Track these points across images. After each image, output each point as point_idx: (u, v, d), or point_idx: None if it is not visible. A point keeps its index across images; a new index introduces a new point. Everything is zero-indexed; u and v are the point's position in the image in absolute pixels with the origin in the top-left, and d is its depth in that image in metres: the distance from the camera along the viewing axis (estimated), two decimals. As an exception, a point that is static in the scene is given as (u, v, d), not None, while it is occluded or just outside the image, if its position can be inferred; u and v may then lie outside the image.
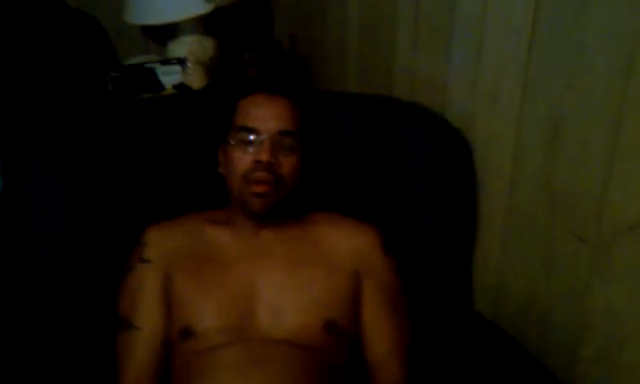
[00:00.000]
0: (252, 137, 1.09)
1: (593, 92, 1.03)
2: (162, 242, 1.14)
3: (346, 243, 1.15)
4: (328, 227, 1.17)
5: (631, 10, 0.94)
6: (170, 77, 1.75)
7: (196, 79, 1.75)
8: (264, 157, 1.06)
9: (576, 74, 1.06)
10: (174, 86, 1.72)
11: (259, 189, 1.07)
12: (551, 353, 1.19)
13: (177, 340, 1.08)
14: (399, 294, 1.17)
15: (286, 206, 1.13)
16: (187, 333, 1.07)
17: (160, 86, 1.75)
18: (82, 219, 1.19)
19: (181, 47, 1.81)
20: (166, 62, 1.79)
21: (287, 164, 1.09)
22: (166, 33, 1.86)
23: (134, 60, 1.84)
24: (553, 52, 1.10)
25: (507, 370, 1.16)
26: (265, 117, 1.09)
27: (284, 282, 1.10)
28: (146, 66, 1.77)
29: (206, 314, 1.07)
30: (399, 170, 1.29)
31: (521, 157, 1.20)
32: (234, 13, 1.82)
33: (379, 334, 1.13)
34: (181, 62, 1.77)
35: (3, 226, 1.38)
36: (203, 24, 1.81)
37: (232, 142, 1.11)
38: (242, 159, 1.09)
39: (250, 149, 1.09)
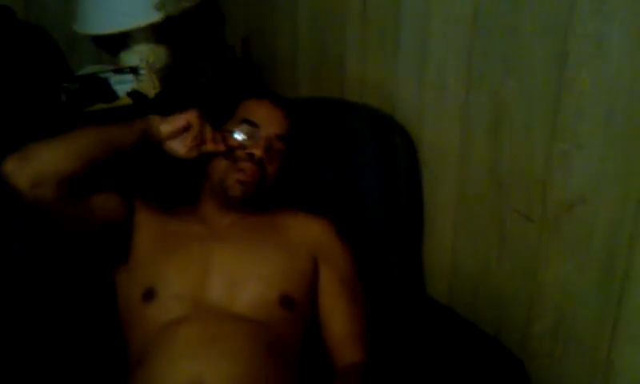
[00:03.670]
0: (252, 130, 1.18)
1: (531, 76, 1.09)
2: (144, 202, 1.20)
3: (303, 231, 1.21)
4: (286, 217, 1.24)
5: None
6: (123, 85, 1.74)
7: (150, 87, 1.75)
8: (258, 152, 1.16)
9: (514, 60, 1.11)
10: (128, 94, 1.72)
11: (245, 177, 1.15)
12: (506, 330, 1.24)
13: (139, 303, 1.11)
14: (355, 279, 1.22)
15: (256, 200, 1.20)
16: (150, 294, 1.10)
17: (114, 95, 1.74)
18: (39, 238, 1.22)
19: (134, 56, 1.81)
20: (119, 71, 1.78)
21: (273, 165, 1.19)
22: (118, 42, 1.86)
23: (87, 70, 1.83)
24: (493, 41, 1.15)
25: (463, 348, 1.19)
26: (269, 119, 1.20)
27: (241, 258, 1.14)
28: (99, 75, 1.76)
29: (168, 277, 1.12)
30: (349, 167, 1.36)
31: (468, 144, 1.25)
32: (185, 20, 1.83)
33: (337, 317, 1.17)
34: (134, 70, 1.76)
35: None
36: (155, 32, 1.81)
37: (232, 130, 1.19)
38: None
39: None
